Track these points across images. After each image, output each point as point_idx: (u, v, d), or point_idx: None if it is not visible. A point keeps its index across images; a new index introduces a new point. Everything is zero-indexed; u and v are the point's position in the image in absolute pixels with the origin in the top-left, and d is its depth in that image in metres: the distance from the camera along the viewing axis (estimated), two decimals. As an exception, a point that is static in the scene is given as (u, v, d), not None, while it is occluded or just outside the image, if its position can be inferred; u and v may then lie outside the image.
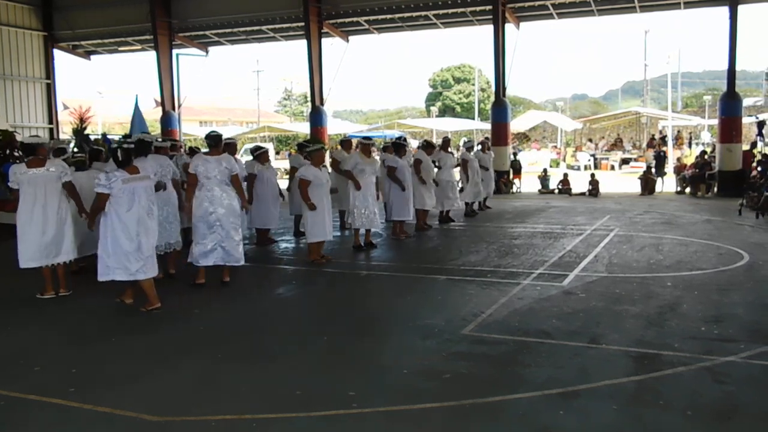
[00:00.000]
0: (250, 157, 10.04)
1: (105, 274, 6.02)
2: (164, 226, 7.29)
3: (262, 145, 11.25)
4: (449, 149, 12.47)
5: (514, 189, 19.27)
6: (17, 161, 10.29)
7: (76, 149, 12.40)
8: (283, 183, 11.52)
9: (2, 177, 9.02)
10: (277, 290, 7.19)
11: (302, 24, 20.58)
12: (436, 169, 11.70)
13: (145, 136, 7.83)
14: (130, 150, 6.24)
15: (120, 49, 25.82)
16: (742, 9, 16.59)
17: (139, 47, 25.26)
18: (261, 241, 9.86)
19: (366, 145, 9.45)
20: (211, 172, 6.76)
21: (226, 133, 37.20)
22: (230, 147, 8.93)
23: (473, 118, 45.43)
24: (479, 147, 14.23)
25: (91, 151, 8.50)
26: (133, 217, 5.97)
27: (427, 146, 11.70)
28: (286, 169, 26.02)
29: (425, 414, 3.83)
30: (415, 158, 11.06)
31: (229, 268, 7.07)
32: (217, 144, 6.99)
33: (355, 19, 20.66)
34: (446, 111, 54.20)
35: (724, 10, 16.77)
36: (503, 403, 3.94)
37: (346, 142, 11.54)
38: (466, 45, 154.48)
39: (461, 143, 13.90)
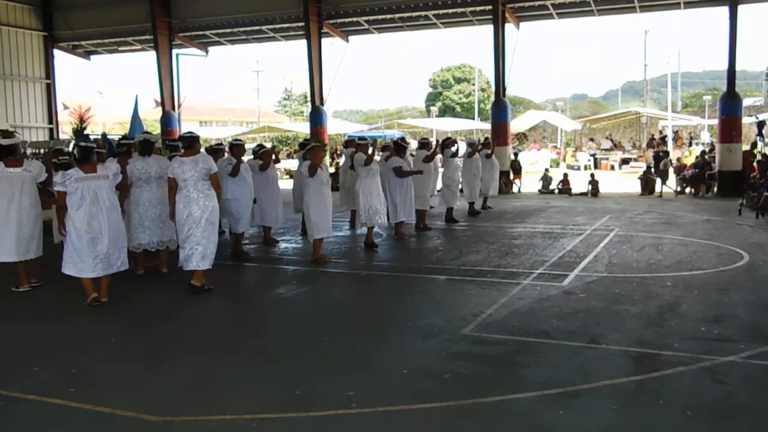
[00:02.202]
0: (251, 156, 10.06)
1: (63, 266, 6.24)
2: (157, 224, 7.35)
3: (265, 144, 11.28)
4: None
5: (515, 189, 19.28)
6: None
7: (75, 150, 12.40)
8: (285, 183, 11.53)
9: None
10: (278, 290, 7.19)
11: (302, 24, 20.59)
12: (441, 169, 11.72)
13: (150, 137, 7.87)
14: (89, 148, 6.33)
15: (120, 49, 25.84)
16: (742, 9, 16.60)
17: (139, 47, 25.28)
18: (265, 240, 9.89)
19: (363, 145, 9.54)
20: (186, 174, 6.61)
21: (226, 133, 37.22)
22: (239, 148, 9.00)
23: (473, 118, 45.48)
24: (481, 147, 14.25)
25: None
26: (82, 216, 6.06)
27: (423, 145, 11.72)
28: (286, 169, 26.19)
29: (425, 414, 3.83)
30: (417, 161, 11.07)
31: (201, 272, 6.81)
32: (191, 145, 6.88)
33: (355, 19, 20.67)
34: (446, 111, 54.22)
35: (724, 10, 16.78)
36: (503, 403, 3.94)
37: (353, 143, 11.79)
38: (466, 45, 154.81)
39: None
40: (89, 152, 6.29)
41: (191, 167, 6.65)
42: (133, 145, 8.23)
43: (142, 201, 7.38)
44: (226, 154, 9.32)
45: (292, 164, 24.44)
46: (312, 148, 8.48)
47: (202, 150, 8.79)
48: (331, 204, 8.50)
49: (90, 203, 6.08)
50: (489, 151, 13.56)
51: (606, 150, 30.38)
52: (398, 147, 10.30)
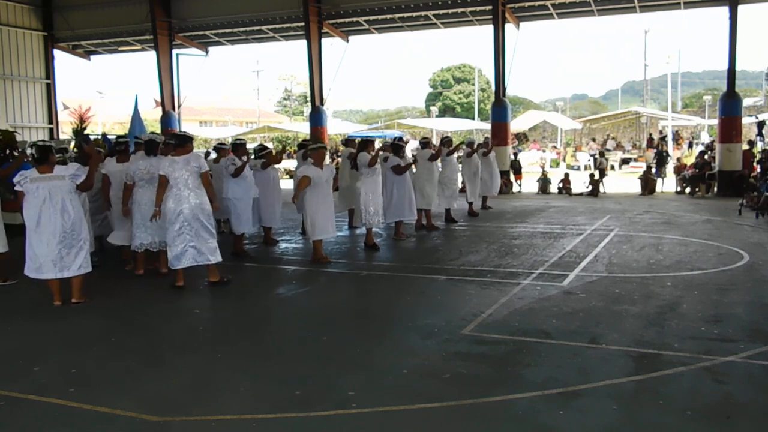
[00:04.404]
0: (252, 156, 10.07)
1: (25, 269, 6.32)
2: (159, 224, 7.36)
3: (267, 145, 11.31)
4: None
5: (515, 189, 19.29)
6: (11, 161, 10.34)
7: (75, 149, 12.42)
8: (286, 183, 11.54)
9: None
10: (277, 290, 7.19)
11: (302, 24, 20.60)
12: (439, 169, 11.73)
13: (156, 137, 7.89)
14: (47, 148, 6.35)
15: (120, 49, 25.85)
16: (742, 9, 16.61)
17: (139, 47, 25.29)
18: (266, 240, 9.90)
19: (370, 143, 9.52)
20: (177, 172, 6.72)
21: (226, 133, 37.39)
22: (241, 147, 9.06)
23: (473, 118, 45.51)
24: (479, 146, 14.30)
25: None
26: (31, 216, 6.12)
27: (425, 144, 11.72)
28: (286, 169, 26.19)
29: (425, 414, 3.83)
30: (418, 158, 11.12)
31: (214, 267, 7.01)
32: (182, 144, 6.94)
33: (355, 19, 20.68)
34: (446, 111, 54.24)
35: (724, 10, 16.79)
36: (503, 403, 3.93)
37: (350, 142, 11.98)
38: (466, 45, 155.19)
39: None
40: (47, 152, 6.30)
41: (183, 166, 6.75)
42: (134, 144, 8.27)
43: (144, 201, 7.38)
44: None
45: (292, 164, 24.45)
46: (316, 148, 8.44)
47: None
48: (332, 204, 8.48)
49: (42, 203, 6.10)
50: (485, 149, 13.60)
51: (609, 150, 30.38)
52: (395, 147, 10.32)
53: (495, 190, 14.09)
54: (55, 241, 6.14)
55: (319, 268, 8.07)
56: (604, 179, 18.33)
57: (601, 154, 20.23)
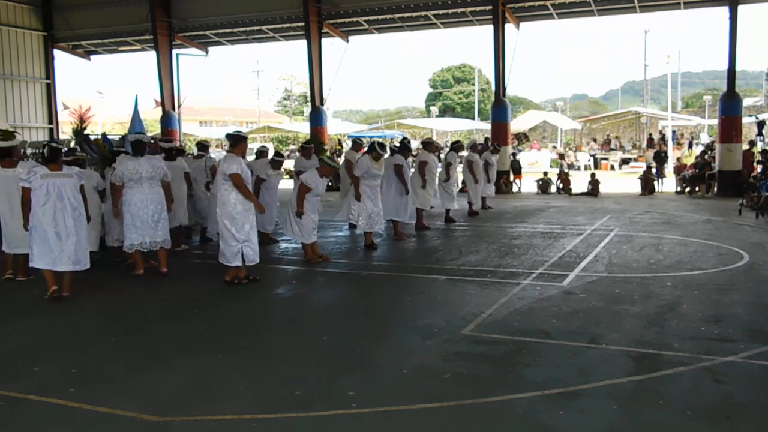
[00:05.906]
0: (252, 157, 10.09)
1: (30, 260, 6.45)
2: (149, 225, 7.41)
3: (266, 145, 11.35)
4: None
5: (515, 189, 19.30)
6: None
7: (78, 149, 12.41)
8: (286, 183, 11.54)
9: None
10: (277, 290, 7.19)
11: (302, 24, 20.62)
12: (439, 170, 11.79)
13: (143, 137, 7.89)
14: (58, 149, 6.63)
15: (120, 49, 25.87)
16: (742, 9, 16.62)
17: (139, 47, 25.31)
18: (262, 241, 9.90)
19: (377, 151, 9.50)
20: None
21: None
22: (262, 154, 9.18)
23: (473, 118, 45.54)
24: (489, 147, 14.52)
25: (114, 152, 8.75)
26: (47, 211, 6.31)
27: (428, 145, 11.72)
28: (286, 169, 26.15)
29: (425, 414, 3.83)
30: (420, 160, 11.07)
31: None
32: (233, 144, 7.09)
33: (355, 19, 20.70)
34: (446, 111, 54.30)
35: (724, 10, 16.81)
36: (503, 403, 3.93)
37: (356, 144, 12.11)
38: (466, 45, 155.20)
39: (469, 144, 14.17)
40: (58, 153, 6.60)
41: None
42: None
43: (134, 201, 7.40)
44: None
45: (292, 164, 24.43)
46: (332, 165, 8.49)
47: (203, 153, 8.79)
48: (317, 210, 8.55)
49: (55, 199, 6.34)
50: (491, 155, 13.90)
51: (611, 150, 30.41)
52: (403, 146, 10.31)
53: (491, 191, 14.26)
54: (71, 234, 6.37)
55: (319, 268, 8.07)
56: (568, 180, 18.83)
57: (561, 156, 20.69)
